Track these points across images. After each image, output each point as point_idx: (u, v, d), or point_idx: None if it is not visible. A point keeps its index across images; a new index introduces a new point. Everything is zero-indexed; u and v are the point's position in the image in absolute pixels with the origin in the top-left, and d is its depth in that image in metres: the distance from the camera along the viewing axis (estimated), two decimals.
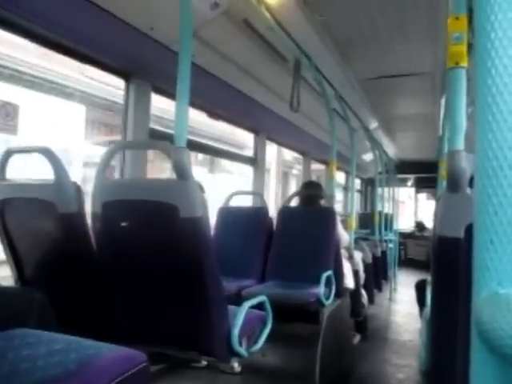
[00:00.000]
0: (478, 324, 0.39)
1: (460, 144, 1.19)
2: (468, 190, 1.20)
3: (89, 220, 1.62)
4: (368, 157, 7.14)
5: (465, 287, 0.93)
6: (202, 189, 1.42)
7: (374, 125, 5.71)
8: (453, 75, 1.22)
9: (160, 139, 2.63)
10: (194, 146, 3.06)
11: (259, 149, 3.93)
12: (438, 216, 1.22)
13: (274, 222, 3.05)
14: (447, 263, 1.13)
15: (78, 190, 1.61)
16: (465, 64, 1.20)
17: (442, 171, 2.68)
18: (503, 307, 0.37)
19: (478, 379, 0.41)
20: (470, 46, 1.28)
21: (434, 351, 1.24)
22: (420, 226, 9.79)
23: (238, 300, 2.31)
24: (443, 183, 2.69)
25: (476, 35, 0.41)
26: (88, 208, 1.61)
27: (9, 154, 1.73)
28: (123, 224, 1.51)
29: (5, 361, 1.04)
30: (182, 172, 1.40)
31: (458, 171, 1.16)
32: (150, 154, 3.23)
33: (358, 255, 3.83)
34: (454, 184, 1.17)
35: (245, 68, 3.08)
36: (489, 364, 0.40)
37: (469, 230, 0.96)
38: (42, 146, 1.66)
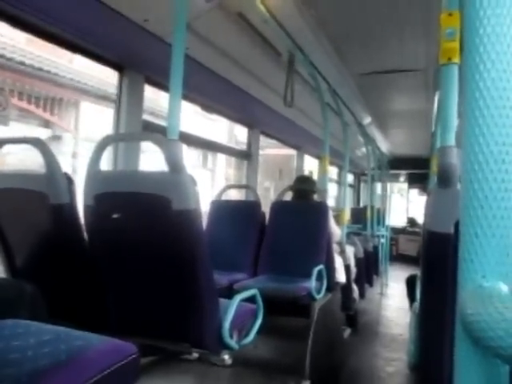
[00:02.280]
0: (463, 316, 0.40)
1: (451, 140, 1.20)
2: (458, 186, 1.21)
3: (80, 212, 1.61)
4: (361, 152, 7.16)
5: (453, 282, 0.94)
6: (194, 182, 1.42)
7: (367, 120, 5.73)
8: (445, 71, 1.22)
9: (153, 131, 2.63)
10: (187, 139, 3.05)
11: (253, 143, 3.93)
12: (428, 211, 1.24)
13: (267, 215, 3.06)
14: (436, 258, 1.14)
15: (70, 181, 1.60)
16: (457, 60, 1.20)
17: (434, 166, 2.70)
18: (486, 300, 0.37)
19: (463, 370, 0.42)
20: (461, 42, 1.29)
21: (423, 345, 1.26)
22: (412, 221, 9.86)
23: (229, 293, 2.31)
24: (434, 178, 2.70)
25: (465, 31, 0.41)
26: (80, 199, 1.61)
27: None
28: (115, 216, 1.51)
29: None
30: (174, 164, 1.40)
31: (449, 167, 1.17)
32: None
33: (349, 250, 3.85)
34: (445, 179, 1.18)
35: (239, 61, 3.07)
36: (472, 355, 0.41)
37: (458, 225, 0.97)
38: (33, 137, 1.65)
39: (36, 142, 1.61)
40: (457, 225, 0.99)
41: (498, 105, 0.38)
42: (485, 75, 0.39)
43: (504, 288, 0.39)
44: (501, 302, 0.36)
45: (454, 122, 1.21)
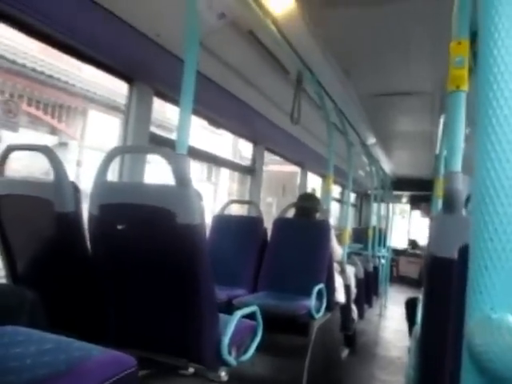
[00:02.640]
0: (470, 346, 0.40)
1: (457, 165, 1.21)
2: (463, 211, 1.21)
3: (85, 221, 1.62)
4: (364, 171, 7.18)
5: (456, 308, 0.94)
6: (200, 196, 1.43)
7: (371, 140, 5.76)
8: (453, 98, 1.24)
9: (159, 144, 2.65)
10: (194, 153, 3.07)
11: (257, 159, 3.95)
12: (433, 236, 1.24)
13: (269, 232, 3.06)
14: (440, 283, 1.14)
15: (76, 190, 1.61)
16: (465, 88, 1.22)
17: (438, 190, 2.70)
18: (495, 332, 0.38)
19: None
20: (470, 70, 1.31)
21: (423, 371, 1.25)
22: (413, 243, 9.83)
23: (228, 308, 2.31)
24: (438, 202, 2.71)
25: (479, 66, 0.42)
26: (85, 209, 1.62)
27: (9, 150, 1.73)
28: (120, 227, 1.51)
29: None
30: (181, 178, 1.41)
31: (455, 193, 1.18)
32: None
33: (350, 270, 3.84)
34: (450, 205, 1.18)
35: (247, 78, 3.11)
36: None
37: (463, 251, 0.97)
38: (43, 145, 1.67)
39: (45, 150, 1.62)
40: (461, 250, 0.99)
41: (510, 140, 0.39)
42: (498, 112, 0.40)
43: None
44: (510, 333, 0.36)
45: (461, 147, 1.22)
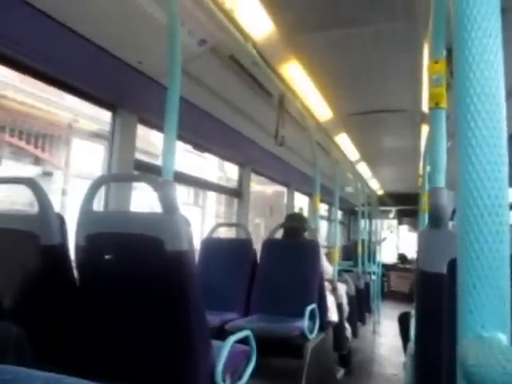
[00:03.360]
0: (463, 366, 0.40)
1: (441, 181, 1.23)
2: (450, 225, 1.22)
3: (72, 252, 1.60)
4: (350, 189, 7.24)
5: (448, 322, 0.94)
6: (188, 223, 1.43)
7: (356, 157, 5.82)
8: (433, 115, 1.26)
9: (144, 170, 2.64)
10: (180, 178, 3.07)
11: (244, 181, 3.96)
12: (421, 251, 1.24)
13: (258, 252, 3.05)
14: (430, 298, 1.14)
15: (62, 222, 1.59)
16: (444, 105, 1.25)
17: (423, 204, 2.73)
18: (486, 350, 0.38)
19: None
20: (447, 86, 1.34)
21: None
22: (402, 258, 9.86)
23: (221, 333, 2.27)
24: (424, 216, 2.73)
25: (456, 89, 0.43)
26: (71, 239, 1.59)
27: None
28: (107, 257, 1.49)
29: None
30: (168, 205, 1.40)
31: (440, 208, 1.19)
32: None
33: (341, 287, 3.83)
34: (436, 220, 1.19)
35: (231, 102, 3.14)
36: None
37: (451, 265, 0.98)
38: (26, 177, 1.65)
39: (29, 183, 1.60)
40: (450, 265, 1.00)
41: (490, 160, 0.40)
42: (476, 133, 0.41)
43: (503, 338, 0.40)
44: (501, 353, 0.36)
45: (444, 163, 1.24)
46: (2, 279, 1.73)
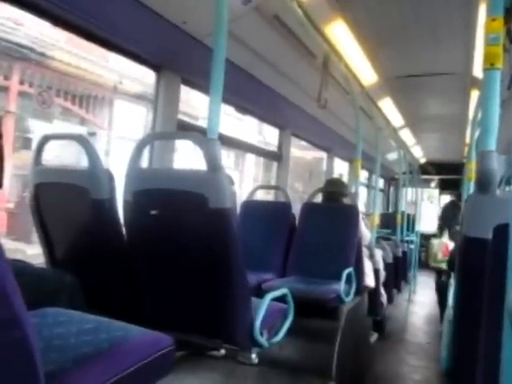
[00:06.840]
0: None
1: (492, 145, 1.19)
2: (497, 191, 1.19)
3: (120, 207, 1.66)
4: (392, 156, 7.08)
5: (491, 287, 0.93)
6: (231, 181, 1.45)
7: (400, 124, 5.66)
8: (487, 76, 1.21)
9: (188, 130, 2.68)
10: (223, 140, 3.09)
11: (284, 144, 3.95)
12: (466, 217, 1.23)
13: (297, 217, 3.06)
14: (473, 263, 1.13)
15: (111, 178, 1.66)
16: (500, 65, 1.19)
17: (470, 173, 2.65)
18: None
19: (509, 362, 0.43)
20: (503, 48, 1.27)
21: (457, 351, 1.25)
22: (442, 228, 9.64)
23: (257, 293, 2.33)
24: (469, 185, 2.66)
25: None
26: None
27: (45, 140, 1.79)
28: (153, 212, 1.55)
29: (39, 337, 1.08)
30: (212, 163, 1.43)
31: (489, 172, 1.16)
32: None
33: (379, 254, 3.82)
34: (484, 185, 1.17)
35: (273, 63, 3.09)
36: None
37: (497, 230, 0.96)
38: (77, 134, 1.72)
39: (80, 139, 1.67)
40: (496, 230, 0.98)
41: None
42: None
43: None
44: None
45: (496, 126, 1.20)
46: (56, 230, 1.83)
